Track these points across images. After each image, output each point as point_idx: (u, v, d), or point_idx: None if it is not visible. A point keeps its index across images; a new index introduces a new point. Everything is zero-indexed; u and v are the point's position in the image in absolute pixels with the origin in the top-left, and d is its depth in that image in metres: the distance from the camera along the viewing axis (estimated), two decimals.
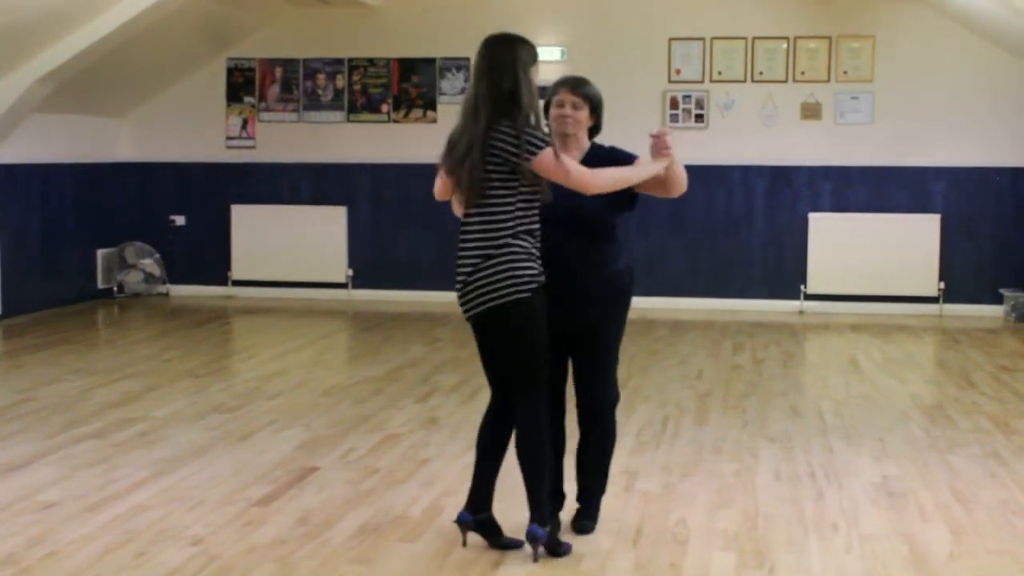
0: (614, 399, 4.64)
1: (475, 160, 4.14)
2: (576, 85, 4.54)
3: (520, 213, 4.20)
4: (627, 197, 4.48)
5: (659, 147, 4.39)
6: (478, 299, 4.23)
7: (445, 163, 4.31)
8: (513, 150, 4.12)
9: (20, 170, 10.35)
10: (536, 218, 4.27)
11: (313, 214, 11.65)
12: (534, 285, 4.22)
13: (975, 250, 10.86)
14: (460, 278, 4.27)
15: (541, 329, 4.27)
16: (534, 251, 4.25)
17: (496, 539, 4.43)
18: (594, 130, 4.61)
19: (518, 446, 4.32)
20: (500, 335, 4.28)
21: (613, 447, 4.72)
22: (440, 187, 4.39)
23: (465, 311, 4.31)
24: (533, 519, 4.27)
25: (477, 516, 4.41)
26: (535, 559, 4.28)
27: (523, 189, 4.19)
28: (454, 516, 4.58)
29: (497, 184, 4.17)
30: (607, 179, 4.29)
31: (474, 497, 4.43)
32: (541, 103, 4.35)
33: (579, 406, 4.63)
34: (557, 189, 4.28)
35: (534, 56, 4.30)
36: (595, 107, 4.56)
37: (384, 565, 4.27)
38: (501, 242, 4.19)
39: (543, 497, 4.30)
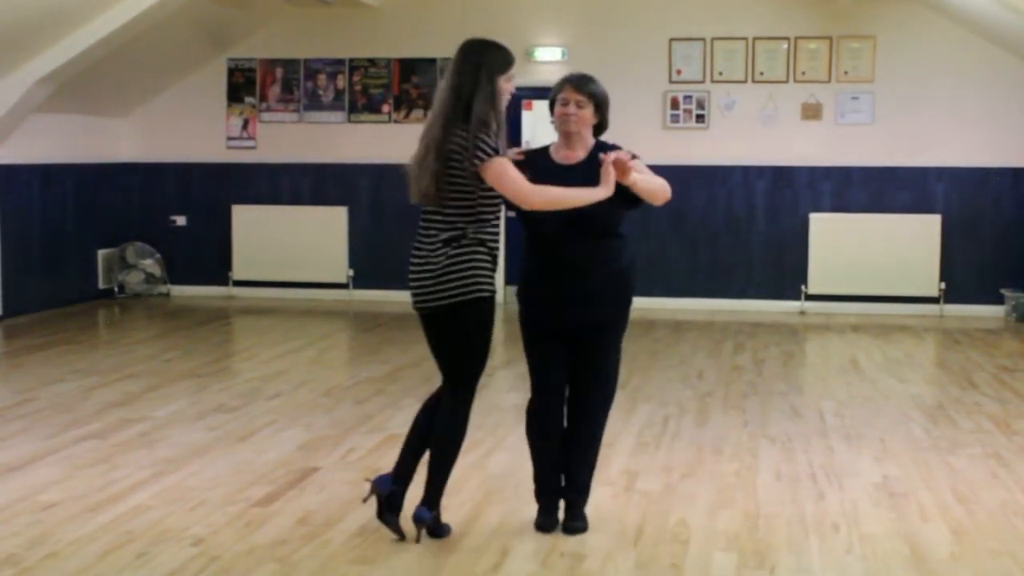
0: (610, 397, 4.62)
1: (431, 161, 4.18)
2: (580, 83, 4.46)
3: (476, 217, 4.22)
4: (630, 196, 4.46)
5: (604, 172, 4.26)
6: (433, 295, 4.26)
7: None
8: (463, 154, 4.14)
9: (20, 170, 10.35)
10: (495, 230, 4.29)
11: (313, 214, 11.66)
12: (487, 293, 4.26)
13: (976, 250, 10.86)
14: (413, 274, 4.30)
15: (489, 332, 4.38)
16: (487, 259, 4.27)
17: (392, 517, 4.43)
18: (600, 128, 4.54)
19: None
20: (453, 330, 4.31)
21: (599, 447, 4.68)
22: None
23: (420, 304, 4.33)
24: (424, 502, 4.39)
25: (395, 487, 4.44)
26: (418, 540, 4.40)
27: (481, 195, 4.21)
28: (455, 516, 4.58)
29: (458, 187, 4.19)
30: (549, 198, 4.24)
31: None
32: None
33: (571, 403, 4.60)
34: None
35: (506, 63, 4.28)
36: (600, 105, 4.48)
37: (384, 565, 4.26)
38: (458, 244, 4.22)
39: (443, 485, 4.42)
